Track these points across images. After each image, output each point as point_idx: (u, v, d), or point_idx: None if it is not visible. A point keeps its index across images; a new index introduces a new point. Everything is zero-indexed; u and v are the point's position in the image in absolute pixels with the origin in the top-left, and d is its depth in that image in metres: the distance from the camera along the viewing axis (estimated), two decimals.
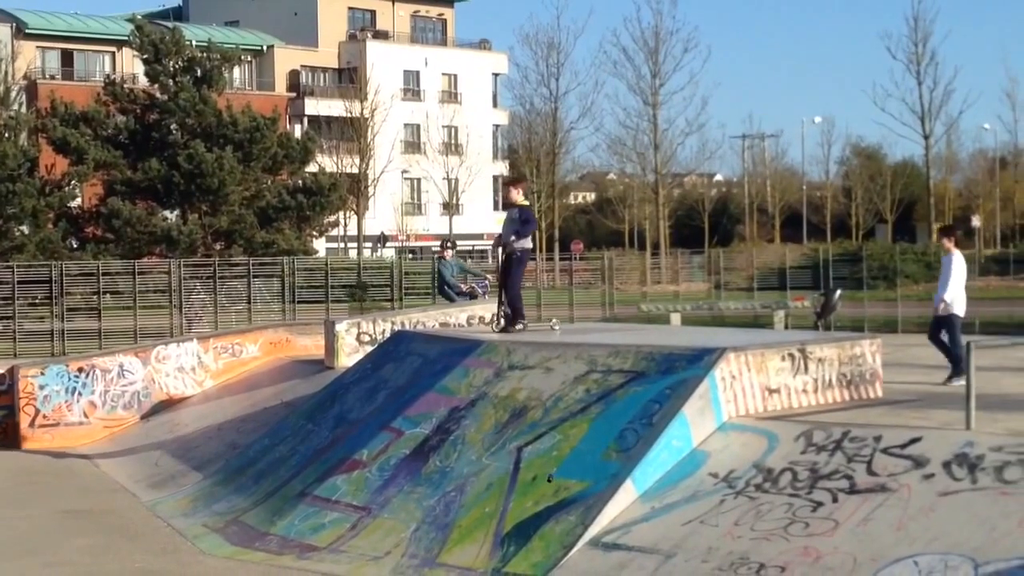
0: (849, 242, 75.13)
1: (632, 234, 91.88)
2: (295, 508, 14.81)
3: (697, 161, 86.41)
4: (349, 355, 22.27)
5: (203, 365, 24.74)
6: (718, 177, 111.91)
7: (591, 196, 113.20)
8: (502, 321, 17.49)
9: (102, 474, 19.79)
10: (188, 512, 16.21)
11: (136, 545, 14.63)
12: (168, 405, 23.57)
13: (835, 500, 11.43)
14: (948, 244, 17.08)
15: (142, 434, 22.12)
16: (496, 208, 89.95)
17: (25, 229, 40.81)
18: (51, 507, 17.04)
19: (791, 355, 14.26)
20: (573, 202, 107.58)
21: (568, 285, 39.47)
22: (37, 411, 22.63)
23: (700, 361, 13.68)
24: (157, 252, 43.70)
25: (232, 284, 31.23)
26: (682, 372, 13.61)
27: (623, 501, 12.31)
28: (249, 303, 29.66)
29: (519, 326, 17.35)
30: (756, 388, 13.85)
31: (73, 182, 44.22)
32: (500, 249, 17.54)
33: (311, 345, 25.13)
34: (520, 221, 17.11)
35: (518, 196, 17.34)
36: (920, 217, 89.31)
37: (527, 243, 17.27)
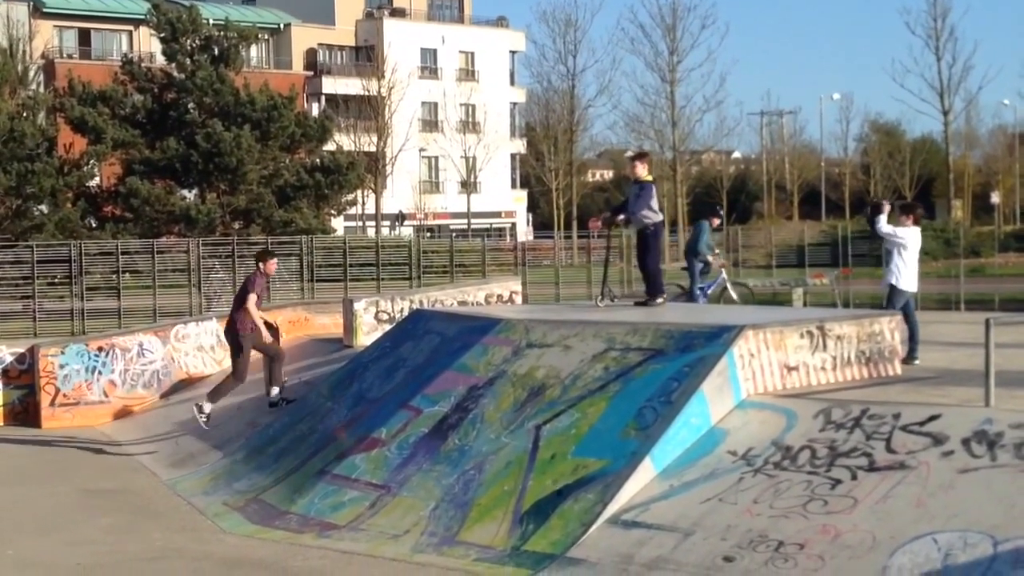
0: None
1: None
2: (315, 486, 14.86)
3: (715, 138, 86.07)
4: (367, 333, 22.33)
5: (222, 344, 24.79)
6: (736, 154, 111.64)
7: (609, 174, 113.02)
8: (606, 299, 18.00)
9: (122, 450, 19.87)
10: (208, 490, 16.27)
11: (157, 523, 14.70)
12: (187, 384, 23.65)
13: (854, 478, 11.43)
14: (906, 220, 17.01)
15: (162, 413, 22.20)
16: (514, 186, 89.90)
17: (44, 208, 40.88)
18: (72, 485, 17.14)
19: (810, 332, 14.25)
20: (591, 179, 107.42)
21: (586, 263, 39.41)
22: (57, 390, 22.74)
23: (718, 339, 13.67)
24: (175, 231, 43.77)
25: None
26: (700, 350, 13.61)
27: (642, 479, 12.32)
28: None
29: (659, 300, 17.55)
30: (775, 366, 13.85)
31: (91, 161, 44.29)
32: (602, 226, 18.12)
33: (330, 323, 25.21)
34: (640, 199, 17.15)
35: (641, 171, 17.29)
36: (939, 193, 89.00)
37: (655, 216, 17.22)
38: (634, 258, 18.09)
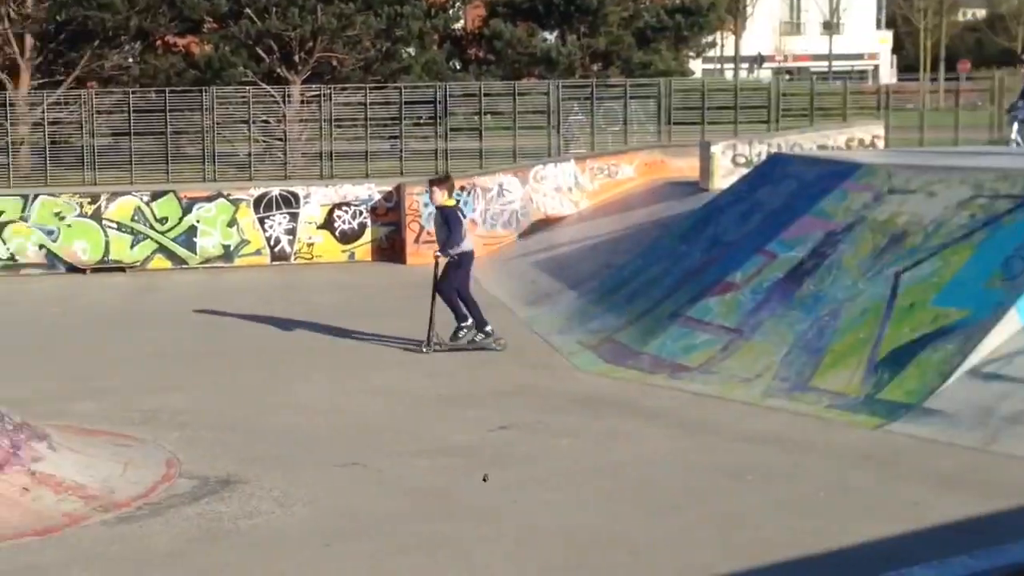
0: None
1: None
2: (667, 328, 14.92)
3: None
4: (723, 177, 22.17)
5: (579, 186, 25.13)
6: None
7: (981, 12, 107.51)
8: (433, 345, 15.48)
9: (482, 290, 20.39)
10: (563, 329, 16.58)
11: (514, 359, 15.10)
12: (544, 224, 24.08)
13: None
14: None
15: (519, 252, 22.69)
16: (879, 27, 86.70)
17: (411, 51, 41.92)
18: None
19: None
20: (961, 19, 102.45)
21: (953, 107, 37.78)
22: (421, 228, 23.53)
23: None
24: (536, 73, 44.20)
25: (609, 105, 31.25)
26: None
27: (1006, 331, 11.85)
28: (625, 124, 29.64)
29: (462, 333, 15.55)
30: None
31: (457, 4, 45.04)
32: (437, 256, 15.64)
33: (685, 167, 25.14)
34: (445, 227, 15.43)
35: (441, 197, 15.50)
36: None
37: (464, 246, 15.44)
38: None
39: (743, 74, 69.64)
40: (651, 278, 17.13)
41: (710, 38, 50.92)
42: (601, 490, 9.92)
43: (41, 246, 23.20)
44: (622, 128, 29.58)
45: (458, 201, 16.13)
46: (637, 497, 9.73)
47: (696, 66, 58.26)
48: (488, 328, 15.52)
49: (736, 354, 13.66)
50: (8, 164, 26.79)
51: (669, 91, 30.84)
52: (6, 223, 23.16)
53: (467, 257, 15.51)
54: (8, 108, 27.57)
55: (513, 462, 10.76)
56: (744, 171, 20.96)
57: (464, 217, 15.93)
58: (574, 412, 12.48)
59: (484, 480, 10.00)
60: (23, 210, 23.22)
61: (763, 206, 16.91)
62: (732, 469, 10.39)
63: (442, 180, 15.98)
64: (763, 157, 21.50)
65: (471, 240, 15.86)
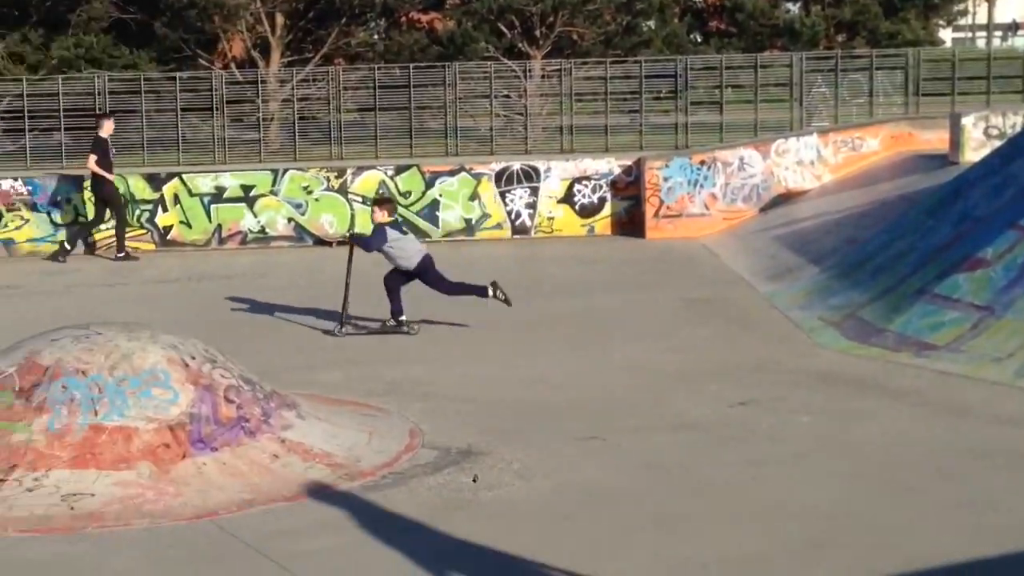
0: None
1: None
2: (913, 305, 14.55)
3: None
4: (975, 150, 21.50)
5: (822, 159, 24.70)
6: None
7: None
8: (347, 326, 15.72)
9: (721, 264, 20.29)
10: (804, 305, 16.32)
11: (753, 335, 14.95)
12: (786, 198, 23.74)
13: None
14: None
15: (760, 226, 22.42)
16: None
17: (652, 24, 41.76)
18: (674, 294, 17.70)
19: None
20: None
21: None
22: (661, 202, 23.45)
23: None
24: (778, 45, 43.54)
25: (854, 77, 30.57)
26: None
27: None
28: (870, 96, 28.93)
29: (405, 329, 15.70)
30: None
31: None
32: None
33: (934, 139, 24.49)
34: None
35: (381, 217, 15.67)
36: None
37: (408, 258, 15.66)
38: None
39: (996, 42, 67.31)
40: (896, 253, 16.71)
41: (961, 6, 49.32)
42: (843, 469, 9.75)
43: (290, 219, 23.85)
44: (867, 100, 28.91)
45: (395, 219, 16.37)
46: (881, 477, 9.54)
47: (946, 35, 56.66)
48: (402, 318, 15.80)
49: (987, 332, 13.25)
50: (259, 140, 27.63)
51: (917, 62, 30.01)
52: (257, 197, 23.87)
53: (421, 265, 15.71)
54: (260, 85, 28.41)
55: (753, 438, 10.67)
56: (997, 144, 20.28)
57: (401, 232, 15.97)
58: (815, 389, 12.30)
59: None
60: (273, 184, 23.90)
61: (1017, 180, 16.31)
62: (982, 451, 10.10)
63: (385, 201, 16.72)
64: (1018, 129, 20.76)
65: (422, 248, 16.05)
